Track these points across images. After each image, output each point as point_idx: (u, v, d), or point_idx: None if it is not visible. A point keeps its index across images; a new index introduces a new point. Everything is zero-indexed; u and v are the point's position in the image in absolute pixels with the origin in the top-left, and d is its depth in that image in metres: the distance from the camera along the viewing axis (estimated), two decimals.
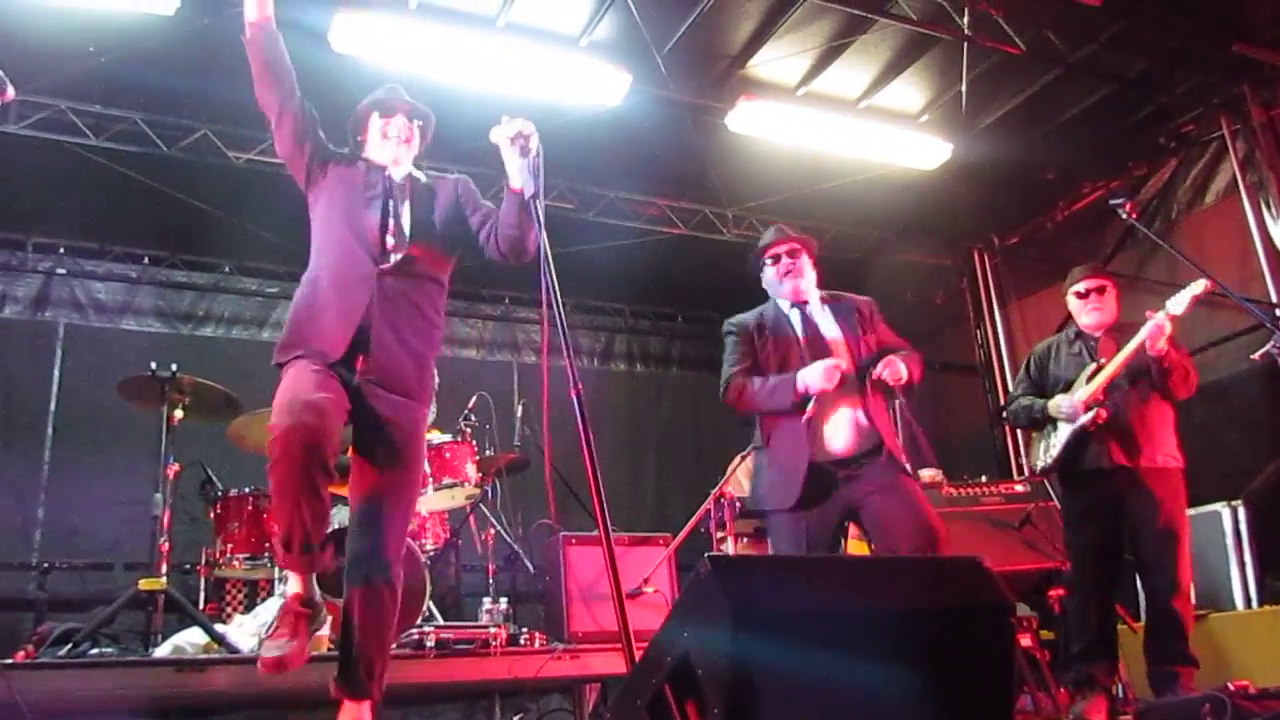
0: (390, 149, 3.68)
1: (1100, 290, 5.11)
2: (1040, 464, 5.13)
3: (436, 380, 3.72)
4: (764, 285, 4.50)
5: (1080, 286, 5.15)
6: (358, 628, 3.30)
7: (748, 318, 4.44)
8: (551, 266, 3.10)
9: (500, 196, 8.69)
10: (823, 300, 4.42)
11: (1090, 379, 4.94)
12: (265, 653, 3.11)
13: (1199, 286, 4.77)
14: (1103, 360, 4.95)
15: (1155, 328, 4.71)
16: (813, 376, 4.03)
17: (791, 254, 4.38)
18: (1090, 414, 4.85)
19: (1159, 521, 4.73)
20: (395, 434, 3.41)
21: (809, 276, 4.40)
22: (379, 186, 3.59)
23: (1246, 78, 7.52)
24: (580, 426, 2.83)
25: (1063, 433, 4.98)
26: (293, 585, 3.24)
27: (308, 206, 3.68)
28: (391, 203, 3.56)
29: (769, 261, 4.44)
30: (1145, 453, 4.80)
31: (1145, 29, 7.19)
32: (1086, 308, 5.12)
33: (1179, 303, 4.77)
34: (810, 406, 4.06)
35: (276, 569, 5.60)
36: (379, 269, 3.44)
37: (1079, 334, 5.17)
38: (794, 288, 4.35)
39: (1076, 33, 7.25)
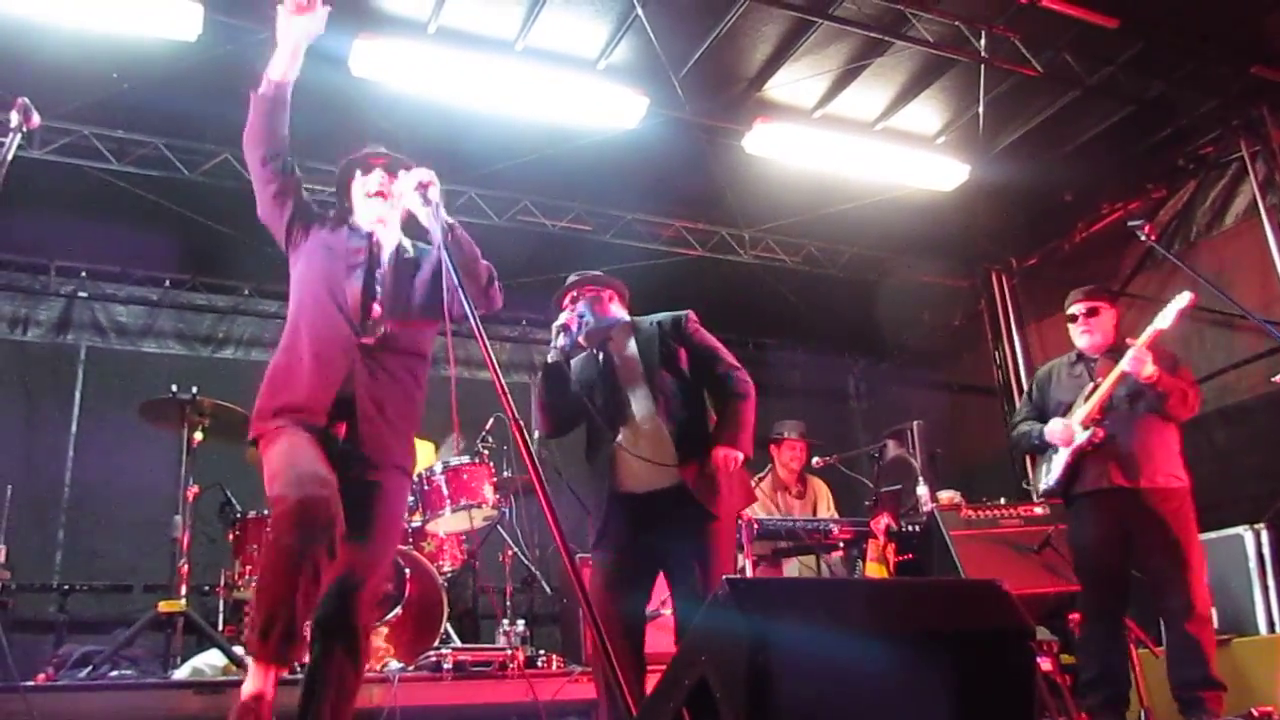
0: (373, 206, 3.55)
1: (1092, 313, 5.13)
2: (1043, 486, 5.13)
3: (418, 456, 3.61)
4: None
5: (1072, 310, 5.20)
6: (320, 699, 3.12)
7: None
8: (466, 300, 3.05)
9: (517, 218, 8.73)
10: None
11: (1087, 400, 4.95)
12: None
13: (1184, 300, 4.83)
14: (1099, 381, 4.97)
15: (1134, 359, 4.75)
16: None
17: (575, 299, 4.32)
18: (1087, 434, 4.86)
19: (1165, 542, 4.71)
20: (375, 505, 3.28)
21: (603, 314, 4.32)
22: (363, 255, 3.47)
23: (1265, 100, 7.51)
24: (524, 454, 2.76)
25: (1062, 454, 4.99)
26: (254, 682, 2.84)
27: (288, 265, 3.57)
28: (378, 272, 3.46)
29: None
30: (1145, 473, 4.79)
31: (1163, 51, 7.20)
32: (1078, 331, 5.16)
33: (1165, 318, 4.82)
34: None
35: None
36: (360, 341, 3.33)
37: (1080, 356, 5.20)
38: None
39: (1094, 55, 7.26)
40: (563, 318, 4.15)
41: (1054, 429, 5.01)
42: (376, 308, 3.40)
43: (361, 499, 3.24)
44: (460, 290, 3.05)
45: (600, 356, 4.26)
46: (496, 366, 2.89)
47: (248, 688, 2.85)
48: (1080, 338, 5.14)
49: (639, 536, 4.02)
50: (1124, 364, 4.78)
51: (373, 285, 3.43)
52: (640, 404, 4.14)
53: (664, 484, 4.03)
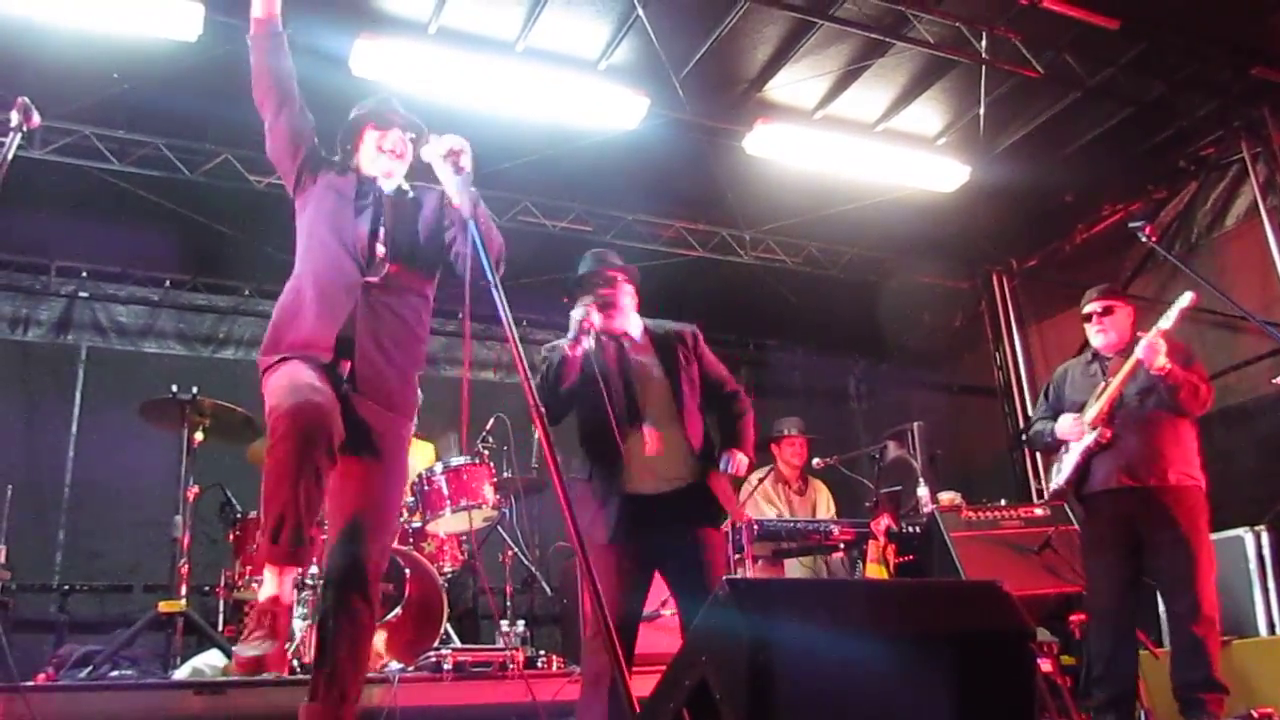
0: (384, 162, 3.61)
1: (1106, 312, 5.10)
2: (1053, 485, 5.15)
3: (420, 397, 3.60)
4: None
5: (1087, 309, 5.17)
6: (333, 649, 3.15)
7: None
8: (489, 268, 3.06)
9: (517, 219, 8.70)
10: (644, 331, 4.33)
11: (1099, 398, 4.95)
12: (241, 651, 2.89)
13: (1186, 300, 4.81)
14: (1110, 380, 4.95)
15: (1147, 347, 4.72)
16: None
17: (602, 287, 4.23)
18: (1095, 433, 4.85)
19: (1173, 542, 4.67)
20: (379, 445, 3.33)
21: (626, 308, 4.28)
22: (370, 197, 3.54)
23: (1266, 101, 7.50)
24: (545, 447, 2.77)
25: (1073, 454, 4.99)
26: (270, 586, 2.96)
27: (294, 213, 3.62)
28: (382, 214, 3.51)
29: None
30: (1155, 471, 4.77)
31: (1164, 52, 7.20)
32: (1093, 330, 5.14)
33: (1168, 318, 4.80)
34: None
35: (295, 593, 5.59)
36: (365, 280, 3.38)
37: (1095, 355, 5.18)
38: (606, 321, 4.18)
39: (1095, 56, 7.25)
40: (582, 312, 4.04)
41: (1064, 425, 5.01)
42: (381, 248, 3.44)
43: (365, 449, 3.29)
44: (484, 261, 3.08)
45: (616, 354, 4.21)
46: (518, 341, 2.93)
47: (264, 592, 2.96)
48: (1095, 336, 5.13)
49: (642, 537, 3.98)
50: (1137, 352, 4.75)
51: (379, 226, 3.48)
52: (658, 406, 4.13)
53: (674, 486, 4.04)
